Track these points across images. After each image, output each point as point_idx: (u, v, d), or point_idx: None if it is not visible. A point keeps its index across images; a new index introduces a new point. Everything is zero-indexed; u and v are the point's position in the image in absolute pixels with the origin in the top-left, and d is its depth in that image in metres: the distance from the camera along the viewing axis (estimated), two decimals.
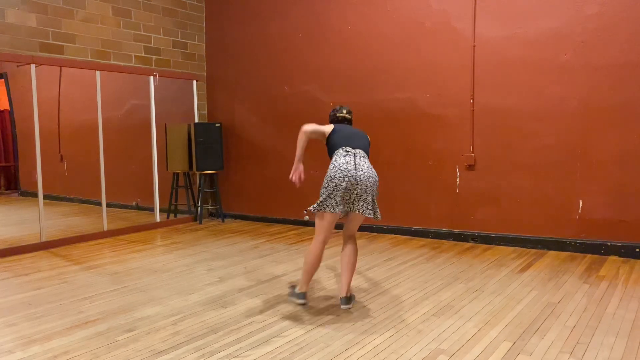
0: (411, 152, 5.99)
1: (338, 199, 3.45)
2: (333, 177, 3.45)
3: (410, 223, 6.09)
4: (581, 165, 5.07)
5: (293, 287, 3.90)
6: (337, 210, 3.47)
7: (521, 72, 5.30)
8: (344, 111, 3.92)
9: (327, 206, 3.47)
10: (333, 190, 3.44)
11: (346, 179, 3.43)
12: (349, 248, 3.67)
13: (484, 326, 3.25)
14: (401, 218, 6.12)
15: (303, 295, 3.72)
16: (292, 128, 6.89)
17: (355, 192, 3.47)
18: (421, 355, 2.84)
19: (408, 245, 5.61)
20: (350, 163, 3.48)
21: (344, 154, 3.54)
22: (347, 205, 3.53)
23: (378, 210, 3.61)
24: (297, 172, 3.67)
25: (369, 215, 3.54)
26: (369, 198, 3.51)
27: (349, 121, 3.92)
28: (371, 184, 3.50)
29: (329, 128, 3.72)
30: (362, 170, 3.47)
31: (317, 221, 3.60)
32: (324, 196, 3.47)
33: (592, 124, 5.00)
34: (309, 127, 3.62)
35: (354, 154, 3.55)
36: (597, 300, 3.71)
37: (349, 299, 3.61)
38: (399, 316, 3.45)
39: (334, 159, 3.57)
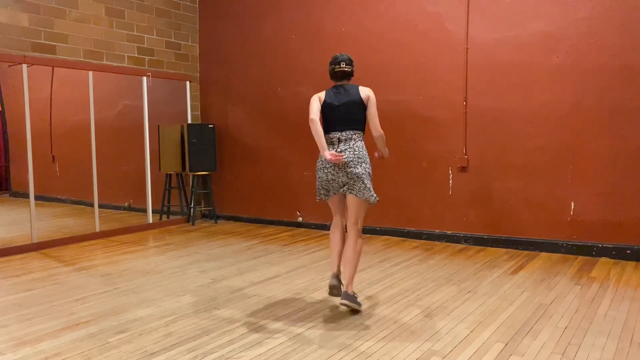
0: (404, 154, 6.01)
1: (327, 187, 3.61)
2: (318, 168, 3.64)
3: (403, 225, 6.10)
4: (573, 167, 5.10)
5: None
6: (330, 195, 3.64)
7: (513, 74, 5.33)
8: (343, 64, 3.57)
9: (322, 195, 3.67)
10: (320, 181, 3.63)
11: (326, 171, 3.56)
12: (349, 243, 3.59)
13: (477, 327, 3.26)
14: (394, 219, 6.13)
15: (333, 276, 3.68)
16: (286, 129, 6.90)
17: (340, 179, 3.53)
18: (414, 356, 2.84)
19: (401, 247, 5.62)
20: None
21: (328, 142, 3.54)
22: (339, 189, 3.58)
23: (371, 191, 3.52)
24: (332, 155, 3.39)
25: (361, 197, 3.50)
26: (354, 182, 3.49)
27: (348, 75, 3.61)
28: (352, 167, 3.46)
29: (320, 98, 3.57)
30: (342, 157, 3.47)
31: (330, 206, 3.78)
32: (317, 187, 3.68)
33: (584, 126, 5.03)
34: (313, 113, 3.48)
35: (338, 138, 3.52)
36: (589, 301, 3.73)
37: (349, 296, 3.45)
38: (392, 317, 3.45)
39: None
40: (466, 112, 5.60)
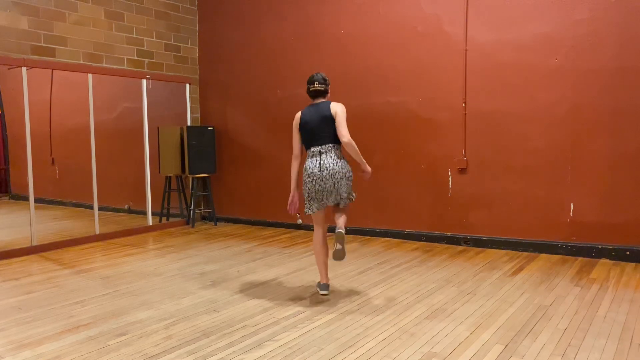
0: (404, 156, 6.01)
1: (313, 199, 3.83)
2: (305, 181, 3.84)
3: (402, 226, 6.10)
4: (572, 168, 5.10)
5: (319, 282, 4.09)
6: (318, 207, 3.86)
7: (512, 76, 5.33)
8: (316, 84, 3.89)
9: (310, 207, 3.89)
10: (308, 193, 3.84)
11: (313, 182, 3.78)
12: (341, 216, 3.90)
13: (476, 329, 3.26)
14: (394, 221, 6.13)
15: (325, 287, 4.00)
16: (285, 131, 6.86)
17: (326, 190, 3.77)
18: (414, 358, 2.85)
19: (401, 249, 5.62)
20: (315, 165, 3.77)
21: (310, 155, 3.84)
22: (326, 200, 3.83)
23: (352, 194, 3.93)
24: (292, 204, 3.94)
25: (346, 202, 3.89)
26: (341, 190, 3.79)
27: (322, 93, 3.91)
28: (338, 179, 3.76)
29: (297, 120, 3.92)
30: (327, 169, 3.74)
31: (313, 217, 3.99)
32: (305, 199, 3.90)
33: (583, 127, 5.04)
34: (295, 150, 3.93)
35: (320, 151, 3.80)
36: (588, 302, 3.73)
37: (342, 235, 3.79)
38: (391, 319, 3.45)
39: (306, 160, 3.89)
40: (465, 113, 5.61)
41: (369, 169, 3.94)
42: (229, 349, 3.02)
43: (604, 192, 4.98)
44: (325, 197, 3.80)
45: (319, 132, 3.80)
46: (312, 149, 3.83)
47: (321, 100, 3.92)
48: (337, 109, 3.81)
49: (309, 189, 3.80)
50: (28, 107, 5.70)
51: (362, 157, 3.85)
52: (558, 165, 5.16)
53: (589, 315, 3.46)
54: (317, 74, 3.92)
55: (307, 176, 3.81)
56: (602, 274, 4.48)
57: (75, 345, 3.12)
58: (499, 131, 5.44)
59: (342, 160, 3.81)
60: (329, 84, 3.95)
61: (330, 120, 3.79)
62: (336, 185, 3.76)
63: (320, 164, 3.75)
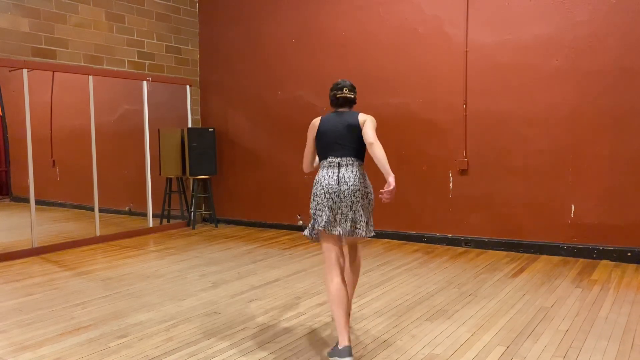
0: (404, 157, 6.01)
1: (326, 217, 3.01)
2: (316, 195, 3.09)
3: (403, 228, 6.09)
4: (573, 169, 5.10)
5: (334, 346, 2.92)
6: (333, 226, 3.02)
7: (513, 77, 5.33)
8: (345, 90, 3.25)
9: (322, 225, 3.03)
10: (323, 209, 3.04)
11: (327, 196, 3.02)
12: (352, 277, 3.23)
13: (478, 331, 3.25)
14: (395, 223, 6.13)
15: (347, 351, 2.77)
16: (286, 133, 6.90)
17: (341, 210, 3.01)
18: None
19: (401, 250, 5.62)
20: (332, 177, 3.05)
21: (327, 165, 3.12)
22: (337, 224, 3.03)
23: (372, 225, 3.16)
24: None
25: (364, 235, 3.07)
26: (358, 213, 3.03)
27: (351, 102, 3.27)
28: (358, 198, 3.02)
29: (315, 126, 3.23)
30: (347, 185, 3.01)
31: (322, 243, 3.09)
32: (319, 215, 3.07)
33: (583, 128, 5.04)
34: (306, 163, 3.31)
35: (338, 163, 3.09)
36: (590, 304, 3.72)
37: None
38: (392, 321, 3.45)
39: (318, 172, 3.20)
40: (466, 115, 5.61)
41: (392, 180, 2.88)
42: (229, 351, 3.01)
43: (605, 193, 4.97)
44: (337, 218, 3.01)
45: (340, 142, 3.13)
46: (329, 159, 3.12)
47: (346, 110, 3.26)
48: (367, 118, 3.14)
49: (319, 203, 3.05)
50: (29, 109, 5.70)
51: (387, 164, 2.97)
52: (559, 167, 5.16)
53: (590, 317, 3.46)
54: (344, 80, 3.32)
55: (320, 189, 3.06)
56: (604, 275, 4.47)
57: (76, 347, 3.12)
58: (500, 132, 5.44)
59: (365, 179, 3.11)
60: (356, 93, 3.33)
61: (357, 129, 3.12)
62: (354, 206, 3.01)
63: (338, 176, 3.05)
